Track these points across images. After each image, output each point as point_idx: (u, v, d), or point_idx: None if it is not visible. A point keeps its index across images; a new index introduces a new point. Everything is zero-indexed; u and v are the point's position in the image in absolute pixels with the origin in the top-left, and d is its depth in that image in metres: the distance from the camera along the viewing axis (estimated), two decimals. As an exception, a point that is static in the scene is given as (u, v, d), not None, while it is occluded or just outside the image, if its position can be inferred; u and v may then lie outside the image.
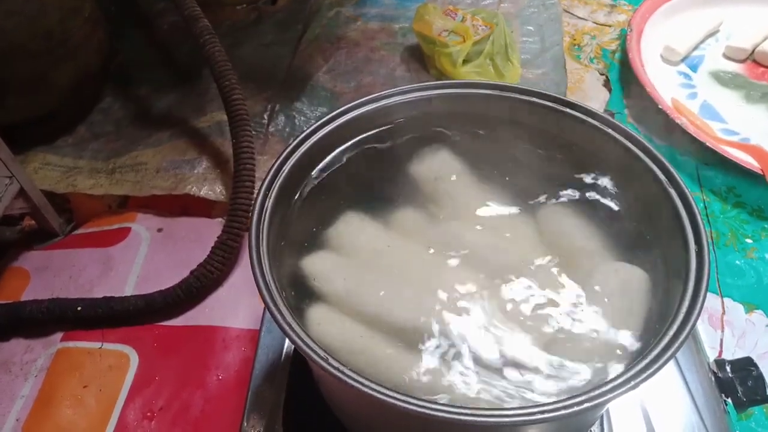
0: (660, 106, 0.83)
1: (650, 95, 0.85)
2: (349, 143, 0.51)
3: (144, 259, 0.76)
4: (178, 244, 0.77)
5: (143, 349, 0.68)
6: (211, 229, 0.76)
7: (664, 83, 0.91)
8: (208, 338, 0.69)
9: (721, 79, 0.93)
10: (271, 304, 0.35)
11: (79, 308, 0.69)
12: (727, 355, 0.64)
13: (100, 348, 0.69)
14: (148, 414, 0.63)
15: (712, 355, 0.64)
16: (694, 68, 0.95)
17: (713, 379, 0.55)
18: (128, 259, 0.76)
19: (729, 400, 0.54)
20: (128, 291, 0.73)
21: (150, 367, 0.67)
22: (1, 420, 0.64)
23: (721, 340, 0.66)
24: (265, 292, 0.35)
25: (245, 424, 0.55)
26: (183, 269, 0.71)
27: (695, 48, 0.97)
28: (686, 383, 0.54)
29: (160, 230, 0.79)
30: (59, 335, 0.70)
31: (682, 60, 0.96)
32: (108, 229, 0.80)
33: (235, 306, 0.71)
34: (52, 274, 0.76)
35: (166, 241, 0.78)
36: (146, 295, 0.70)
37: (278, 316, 0.34)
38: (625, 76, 0.94)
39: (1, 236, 0.79)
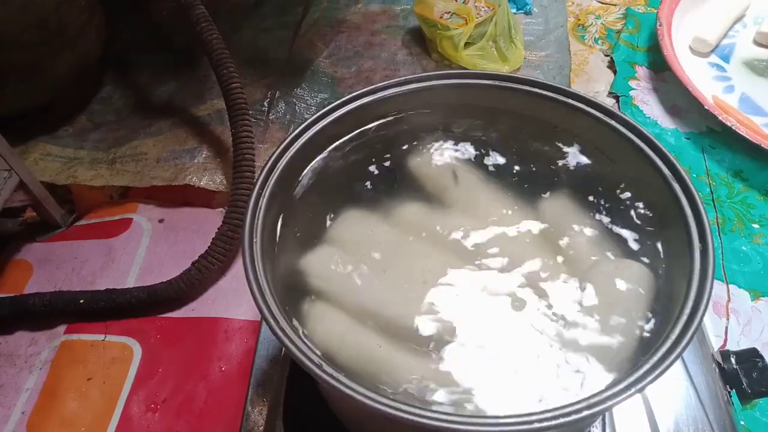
0: (706, 107, 0.78)
1: (694, 96, 0.79)
2: (347, 137, 0.50)
3: (146, 251, 0.76)
4: (179, 234, 0.77)
5: (146, 341, 0.68)
6: (213, 220, 0.76)
7: (698, 78, 0.84)
8: (210, 329, 0.69)
9: (756, 68, 0.88)
10: (265, 310, 0.34)
11: (81, 301, 0.69)
12: (732, 344, 0.64)
13: (104, 340, 0.69)
14: (152, 406, 0.64)
15: (716, 344, 0.64)
16: (725, 59, 0.90)
17: (717, 370, 0.54)
18: (130, 251, 0.76)
19: (733, 391, 0.53)
20: (130, 282, 0.73)
21: (153, 359, 0.67)
22: (7, 413, 0.65)
23: (726, 328, 0.65)
24: (259, 299, 0.35)
25: (246, 418, 0.55)
26: (185, 260, 0.71)
27: (724, 36, 0.92)
28: (689, 375, 0.54)
29: (161, 221, 0.79)
30: (63, 328, 0.70)
31: (713, 50, 0.91)
32: (110, 220, 0.80)
33: (237, 297, 0.71)
34: (54, 266, 0.76)
35: (168, 231, 0.78)
36: (148, 287, 0.70)
37: (272, 323, 0.34)
38: (658, 72, 0.89)
39: (4, 228, 0.79)
